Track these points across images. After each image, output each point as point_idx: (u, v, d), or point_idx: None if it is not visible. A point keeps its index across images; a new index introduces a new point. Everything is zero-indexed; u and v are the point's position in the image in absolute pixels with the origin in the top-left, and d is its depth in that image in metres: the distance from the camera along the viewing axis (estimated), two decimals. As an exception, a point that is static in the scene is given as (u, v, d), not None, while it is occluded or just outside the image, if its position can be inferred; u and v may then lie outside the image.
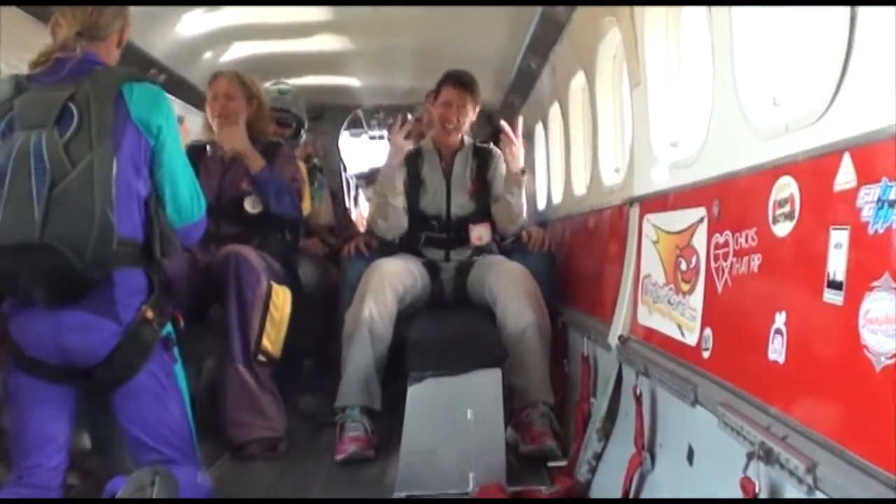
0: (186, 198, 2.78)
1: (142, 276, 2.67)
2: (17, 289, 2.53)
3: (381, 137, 7.01)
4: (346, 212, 5.97)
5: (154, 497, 2.37)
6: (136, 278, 2.65)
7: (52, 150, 2.43)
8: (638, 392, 2.68)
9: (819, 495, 1.57)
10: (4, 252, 2.40)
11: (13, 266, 2.43)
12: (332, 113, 6.83)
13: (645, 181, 3.06)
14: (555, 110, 4.86)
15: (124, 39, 2.84)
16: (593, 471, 3.08)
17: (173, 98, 5.17)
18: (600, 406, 3.08)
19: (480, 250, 4.13)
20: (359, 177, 7.11)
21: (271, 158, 4.08)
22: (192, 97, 5.28)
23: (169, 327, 2.75)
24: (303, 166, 4.38)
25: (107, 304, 2.57)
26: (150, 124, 2.63)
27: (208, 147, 4.14)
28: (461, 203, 4.20)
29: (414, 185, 4.18)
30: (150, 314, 2.65)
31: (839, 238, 1.62)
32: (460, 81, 4.09)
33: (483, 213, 4.20)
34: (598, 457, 3.06)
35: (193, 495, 2.64)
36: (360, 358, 3.63)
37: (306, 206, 4.28)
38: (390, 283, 3.74)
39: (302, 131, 5.03)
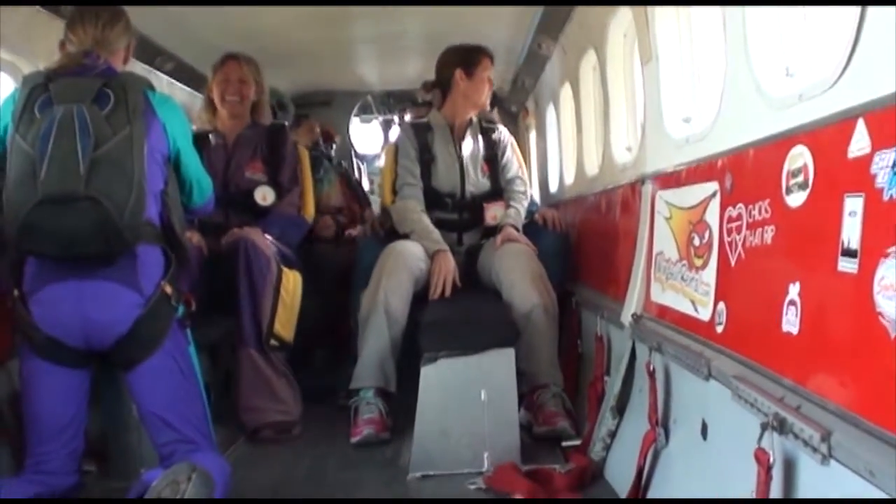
0: (203, 182, 3.09)
1: (160, 253, 2.75)
2: (54, 246, 2.54)
3: (391, 122, 7.00)
4: (361, 192, 5.95)
5: (187, 494, 2.37)
6: (155, 255, 2.74)
7: (94, 117, 2.55)
8: (651, 368, 2.67)
9: (833, 464, 1.56)
10: (48, 203, 2.47)
11: (55, 219, 2.48)
12: (341, 99, 6.83)
13: (657, 158, 3.04)
14: (566, 90, 4.83)
15: (129, 57, 2.98)
16: (608, 448, 3.07)
17: (180, 86, 5.23)
18: (614, 384, 3.07)
19: (493, 231, 4.06)
20: (370, 159, 7.13)
21: (276, 143, 4.12)
22: (198, 84, 5.29)
23: (182, 308, 2.80)
24: (305, 155, 4.36)
25: (130, 275, 2.65)
26: (168, 126, 2.80)
27: (211, 136, 4.13)
28: (475, 180, 4.15)
29: (425, 160, 4.11)
30: (168, 289, 2.73)
31: (853, 205, 1.60)
32: (491, 56, 4.09)
33: (497, 192, 4.17)
34: (613, 434, 3.06)
35: (216, 475, 2.63)
36: (375, 340, 3.63)
37: (309, 208, 4.26)
38: (406, 265, 3.71)
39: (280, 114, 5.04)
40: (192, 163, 2.99)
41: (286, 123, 4.50)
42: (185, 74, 5.18)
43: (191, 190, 3.02)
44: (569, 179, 4.91)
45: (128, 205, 2.52)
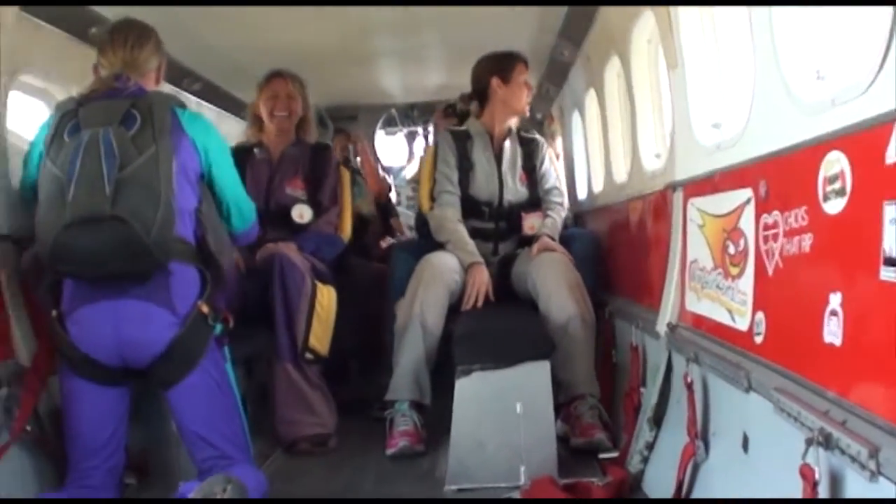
0: (244, 205, 3.09)
1: (195, 272, 2.77)
2: (84, 266, 2.56)
3: (415, 134, 7.02)
4: (389, 204, 5.98)
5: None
6: (190, 273, 2.75)
7: (120, 140, 2.58)
8: (689, 380, 2.63)
9: (882, 481, 1.51)
10: (77, 225, 2.50)
11: (84, 239, 2.51)
12: (366, 112, 6.85)
13: (687, 165, 3.00)
14: (591, 97, 4.80)
15: (161, 78, 3.01)
16: (645, 461, 3.03)
17: (208, 105, 5.28)
18: (650, 395, 3.03)
19: (529, 241, 4.02)
20: (395, 171, 7.15)
21: (319, 163, 4.18)
22: (226, 103, 5.33)
23: (220, 326, 2.81)
24: (347, 176, 4.40)
25: (163, 294, 2.67)
26: (198, 142, 2.81)
27: (256, 150, 4.17)
28: (514, 189, 4.13)
29: (464, 168, 4.09)
30: (205, 309, 2.74)
31: (894, 213, 1.56)
32: (525, 61, 4.07)
33: (534, 201, 4.15)
34: (650, 447, 3.01)
35: (253, 487, 2.68)
36: (411, 352, 3.62)
37: (347, 228, 4.27)
38: (442, 278, 3.71)
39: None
40: (229, 184, 2.99)
41: (330, 144, 4.52)
42: (213, 94, 5.22)
43: (229, 213, 3.02)
44: (597, 187, 4.86)
45: (155, 223, 2.52)
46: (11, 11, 3.02)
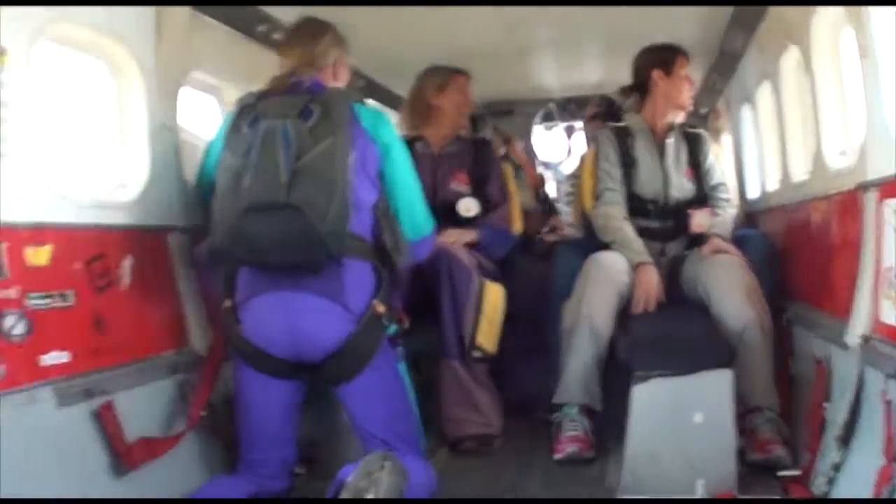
0: (419, 213, 2.99)
1: (370, 270, 2.76)
2: (259, 253, 2.61)
3: (573, 128, 6.90)
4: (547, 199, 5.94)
5: (382, 482, 2.39)
6: (364, 271, 2.75)
7: (297, 131, 2.59)
8: (888, 398, 2.42)
9: None
10: (253, 211, 2.55)
11: (259, 226, 2.55)
12: (522, 107, 6.78)
13: (881, 163, 2.76)
14: (764, 89, 4.53)
15: (340, 74, 3.03)
16: (832, 482, 2.83)
17: (371, 102, 5.38)
18: (838, 411, 2.84)
19: (698, 240, 3.86)
20: (554, 166, 7.06)
21: (481, 158, 4.22)
22: (383, 97, 5.41)
23: (394, 326, 2.82)
24: (510, 170, 4.39)
25: (337, 290, 2.68)
26: (377, 137, 2.80)
27: (418, 143, 4.22)
28: (679, 185, 3.98)
29: (626, 164, 3.99)
30: (380, 309, 2.74)
31: None
32: (686, 55, 3.95)
33: (701, 198, 3.98)
34: (838, 468, 2.81)
35: (422, 480, 2.69)
36: (580, 355, 3.56)
37: (517, 221, 4.26)
38: (610, 278, 3.62)
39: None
40: (406, 185, 2.93)
41: (489, 138, 4.54)
42: (373, 90, 5.32)
43: (399, 216, 2.92)
44: (771, 185, 4.59)
45: (329, 214, 2.53)
46: (185, 11, 3.19)
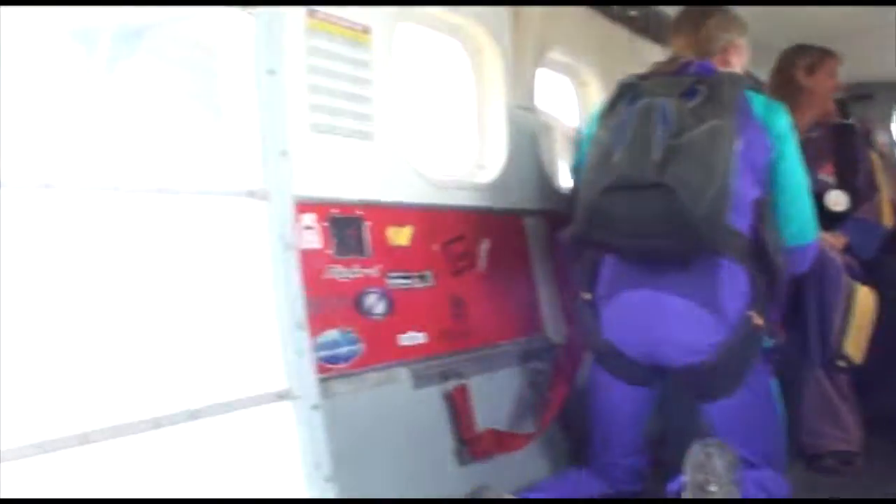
0: (805, 216, 2.64)
1: (745, 274, 2.46)
2: (621, 235, 2.42)
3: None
4: None
5: (715, 457, 2.27)
6: (741, 274, 2.45)
7: (678, 108, 2.36)
8: None
9: None
10: (618, 189, 2.36)
11: (622, 206, 2.35)
12: (883, 90, 5.89)
13: None
14: None
15: (732, 59, 2.76)
16: None
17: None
18: None
19: None
20: None
21: (848, 145, 3.77)
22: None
23: (769, 339, 2.53)
24: (877, 159, 3.84)
25: (710, 295, 2.43)
26: (770, 127, 2.49)
27: None
28: None
29: None
30: (758, 321, 2.45)
31: None
32: None
33: None
34: None
35: (774, 491, 2.50)
36: None
37: (887, 213, 3.72)
38: None
39: None
40: (792, 185, 2.58)
41: (855, 125, 4.01)
42: None
43: (781, 218, 2.58)
44: None
45: (705, 198, 2.25)
46: None
